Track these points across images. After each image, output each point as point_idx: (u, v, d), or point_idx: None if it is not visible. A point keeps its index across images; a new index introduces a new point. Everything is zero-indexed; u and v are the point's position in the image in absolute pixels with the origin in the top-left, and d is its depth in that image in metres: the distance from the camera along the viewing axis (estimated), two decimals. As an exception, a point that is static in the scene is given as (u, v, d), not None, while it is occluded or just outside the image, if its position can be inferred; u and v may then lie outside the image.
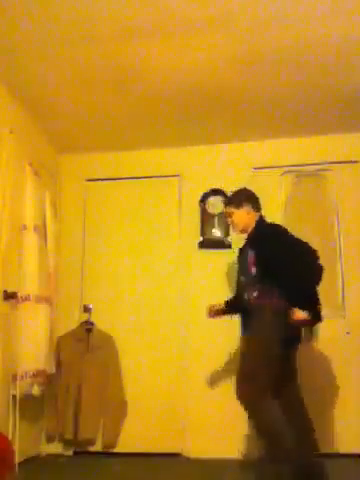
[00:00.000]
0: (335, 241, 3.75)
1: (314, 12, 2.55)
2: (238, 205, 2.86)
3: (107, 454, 3.58)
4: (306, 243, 2.62)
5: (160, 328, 3.78)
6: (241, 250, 2.89)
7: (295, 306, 2.51)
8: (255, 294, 2.66)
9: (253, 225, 2.83)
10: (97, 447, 3.61)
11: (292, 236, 2.69)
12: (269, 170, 3.92)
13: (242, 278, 2.84)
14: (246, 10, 2.54)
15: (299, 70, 3.07)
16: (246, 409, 2.56)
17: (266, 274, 2.62)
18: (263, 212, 2.88)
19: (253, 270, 2.69)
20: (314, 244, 2.65)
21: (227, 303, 3.01)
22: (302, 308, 2.51)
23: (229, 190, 3.85)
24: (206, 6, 2.50)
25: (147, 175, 4.07)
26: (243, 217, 2.85)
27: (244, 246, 2.85)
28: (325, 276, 2.62)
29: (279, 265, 2.53)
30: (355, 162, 3.83)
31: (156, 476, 3.07)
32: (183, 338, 3.73)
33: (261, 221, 2.85)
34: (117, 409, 3.64)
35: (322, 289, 2.63)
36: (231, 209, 2.89)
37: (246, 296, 2.73)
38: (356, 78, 3.16)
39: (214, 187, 3.90)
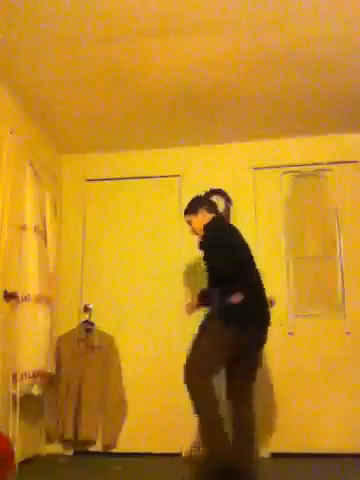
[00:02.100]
0: (335, 241, 3.76)
1: (314, 12, 2.56)
2: (195, 211, 2.98)
3: (107, 454, 3.58)
4: (230, 249, 2.72)
5: (160, 328, 3.78)
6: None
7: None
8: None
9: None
10: (97, 447, 3.61)
11: (222, 240, 2.77)
12: (269, 170, 3.93)
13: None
14: (246, 10, 2.54)
15: (299, 70, 3.07)
16: None
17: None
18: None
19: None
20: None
21: (199, 297, 3.02)
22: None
23: (229, 190, 3.90)
24: (206, 6, 2.50)
25: (147, 175, 4.07)
26: (200, 221, 2.96)
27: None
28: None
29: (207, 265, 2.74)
30: (355, 162, 3.83)
31: (156, 476, 3.07)
32: (183, 338, 3.72)
33: (210, 222, 2.91)
34: (117, 409, 3.64)
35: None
36: (190, 217, 3.01)
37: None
38: (356, 78, 3.17)
39: (214, 187, 3.90)
